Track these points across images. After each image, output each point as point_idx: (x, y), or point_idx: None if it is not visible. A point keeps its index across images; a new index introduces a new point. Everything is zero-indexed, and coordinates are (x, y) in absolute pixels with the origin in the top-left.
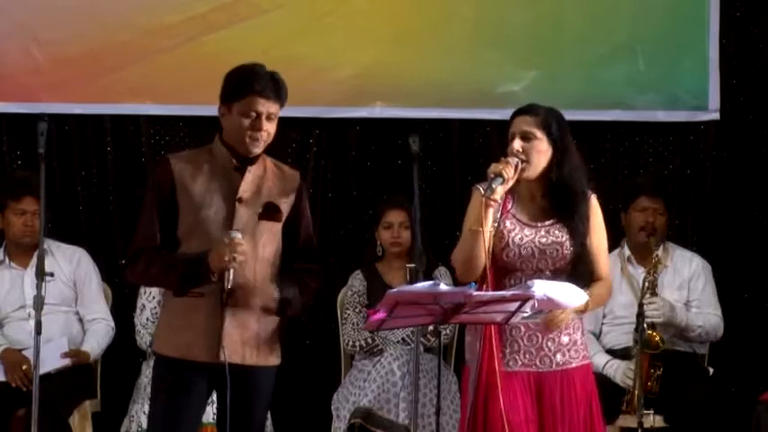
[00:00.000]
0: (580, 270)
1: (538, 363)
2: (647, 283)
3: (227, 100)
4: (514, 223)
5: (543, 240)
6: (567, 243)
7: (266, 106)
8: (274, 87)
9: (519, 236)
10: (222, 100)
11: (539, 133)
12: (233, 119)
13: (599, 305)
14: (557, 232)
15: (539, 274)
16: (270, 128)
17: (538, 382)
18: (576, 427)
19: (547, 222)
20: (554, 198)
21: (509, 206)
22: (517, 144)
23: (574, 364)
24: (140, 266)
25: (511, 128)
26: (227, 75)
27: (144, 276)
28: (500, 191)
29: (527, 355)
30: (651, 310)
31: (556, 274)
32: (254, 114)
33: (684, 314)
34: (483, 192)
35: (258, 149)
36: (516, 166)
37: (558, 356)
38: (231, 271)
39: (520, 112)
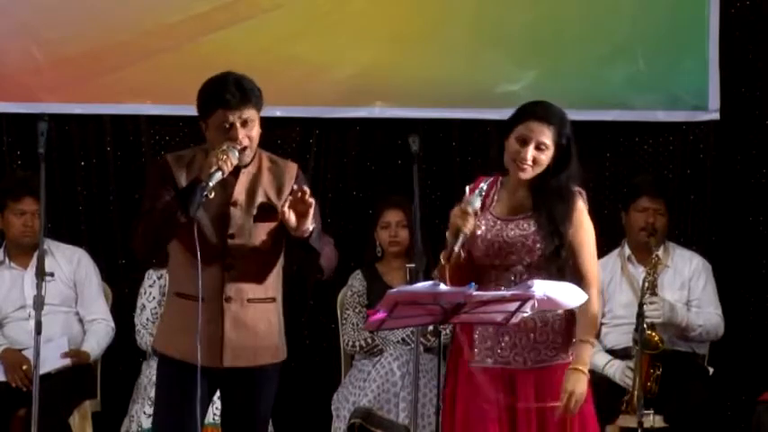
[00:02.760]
0: (558, 265)
1: (511, 360)
2: (646, 284)
3: (202, 117)
4: (488, 219)
5: (511, 234)
6: (534, 236)
7: (236, 115)
8: (241, 95)
9: (488, 233)
10: (199, 117)
11: (551, 144)
12: (211, 134)
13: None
14: (525, 225)
15: (512, 269)
16: (249, 133)
17: (511, 378)
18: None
19: (519, 216)
20: (536, 194)
21: (489, 201)
22: (530, 154)
23: (549, 363)
24: (141, 225)
25: (523, 129)
26: (198, 92)
27: (147, 230)
28: (459, 243)
29: (500, 352)
30: (651, 311)
31: (530, 269)
32: (227, 126)
33: (685, 314)
34: (446, 252)
35: (246, 158)
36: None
37: (533, 354)
38: (219, 173)
39: (536, 116)
